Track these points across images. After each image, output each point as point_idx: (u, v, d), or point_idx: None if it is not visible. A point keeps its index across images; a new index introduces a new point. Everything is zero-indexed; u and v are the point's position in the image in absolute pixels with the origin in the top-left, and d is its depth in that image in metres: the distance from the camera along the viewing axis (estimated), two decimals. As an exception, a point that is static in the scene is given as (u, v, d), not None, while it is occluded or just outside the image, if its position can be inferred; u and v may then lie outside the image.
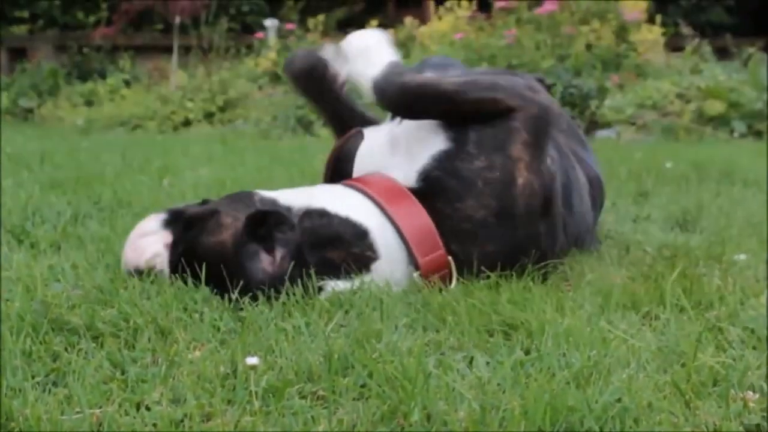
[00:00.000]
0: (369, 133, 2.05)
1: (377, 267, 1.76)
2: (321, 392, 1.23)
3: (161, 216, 1.83)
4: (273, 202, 1.79)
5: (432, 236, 1.79)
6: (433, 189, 1.82)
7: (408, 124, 1.93)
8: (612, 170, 3.57)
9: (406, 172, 1.86)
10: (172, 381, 1.27)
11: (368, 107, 2.23)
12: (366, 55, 1.97)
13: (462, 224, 1.80)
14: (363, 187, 1.85)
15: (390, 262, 1.77)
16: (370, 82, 1.92)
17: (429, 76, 1.92)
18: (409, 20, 7.94)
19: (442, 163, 1.83)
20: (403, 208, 1.80)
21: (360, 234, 1.76)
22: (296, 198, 1.81)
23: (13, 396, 1.20)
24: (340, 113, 2.19)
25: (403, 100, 1.87)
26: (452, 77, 1.89)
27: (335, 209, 1.78)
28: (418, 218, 1.79)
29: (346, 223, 1.77)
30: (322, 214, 1.77)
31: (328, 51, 2.10)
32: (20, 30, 10.13)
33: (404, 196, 1.82)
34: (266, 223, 1.69)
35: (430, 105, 1.86)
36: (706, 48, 7.25)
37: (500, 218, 1.79)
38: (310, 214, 1.76)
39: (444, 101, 1.84)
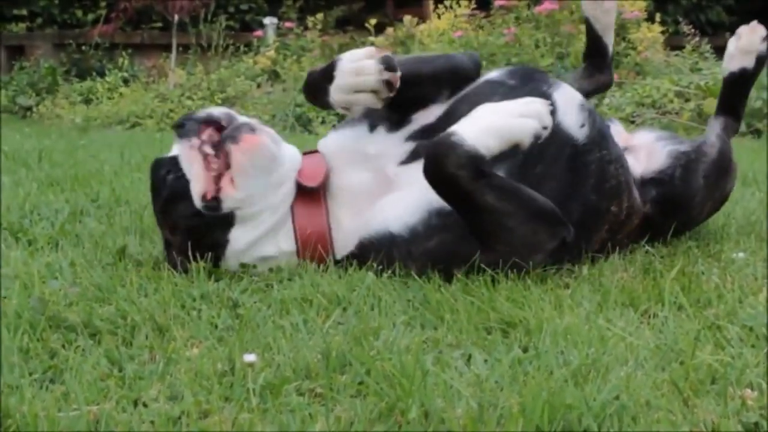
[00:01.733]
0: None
1: None
2: (319, 389, 1.23)
3: None
4: None
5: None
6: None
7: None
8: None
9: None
10: (169, 378, 1.27)
11: None
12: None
13: None
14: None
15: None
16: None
17: (487, 191, 1.73)
18: (408, 18, 7.91)
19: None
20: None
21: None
22: None
23: (10, 393, 1.19)
24: None
25: (439, 181, 1.74)
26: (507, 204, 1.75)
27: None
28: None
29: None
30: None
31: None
32: (19, 28, 10.11)
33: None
34: None
35: (453, 199, 1.76)
36: (706, 47, 7.23)
37: None
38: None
39: (470, 206, 1.75)
